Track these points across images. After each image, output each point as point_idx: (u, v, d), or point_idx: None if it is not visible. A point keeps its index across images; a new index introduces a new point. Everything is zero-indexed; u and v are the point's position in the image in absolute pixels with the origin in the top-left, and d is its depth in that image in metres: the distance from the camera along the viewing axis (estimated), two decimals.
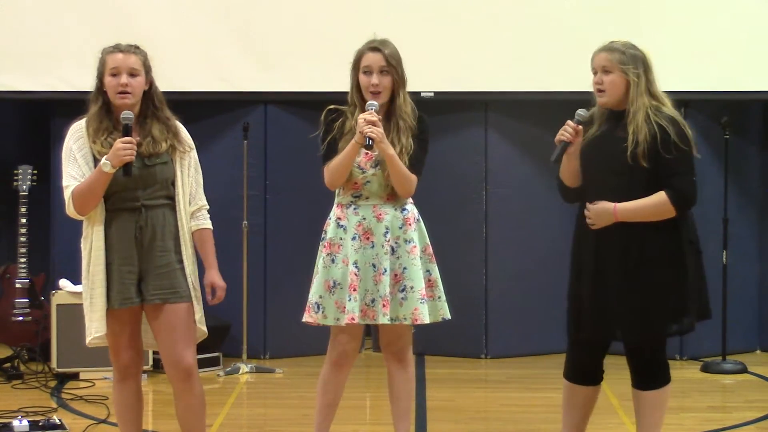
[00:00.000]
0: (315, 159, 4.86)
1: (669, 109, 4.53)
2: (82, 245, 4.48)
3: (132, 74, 4.43)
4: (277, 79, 7.32)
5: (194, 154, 4.58)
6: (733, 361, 7.23)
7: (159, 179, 4.45)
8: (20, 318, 6.88)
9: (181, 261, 4.48)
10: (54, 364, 6.77)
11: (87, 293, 4.45)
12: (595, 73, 4.58)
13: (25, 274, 6.89)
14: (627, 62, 4.51)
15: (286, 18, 7.30)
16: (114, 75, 4.42)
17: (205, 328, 4.56)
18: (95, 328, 4.42)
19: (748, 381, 7.00)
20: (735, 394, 6.72)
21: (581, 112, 4.56)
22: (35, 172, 7.01)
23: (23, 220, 6.89)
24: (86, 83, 7.41)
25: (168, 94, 4.63)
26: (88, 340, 4.48)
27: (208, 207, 4.60)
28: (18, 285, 6.89)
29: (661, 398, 4.60)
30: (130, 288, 4.42)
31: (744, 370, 7.15)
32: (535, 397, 6.48)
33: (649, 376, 4.58)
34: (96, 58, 4.53)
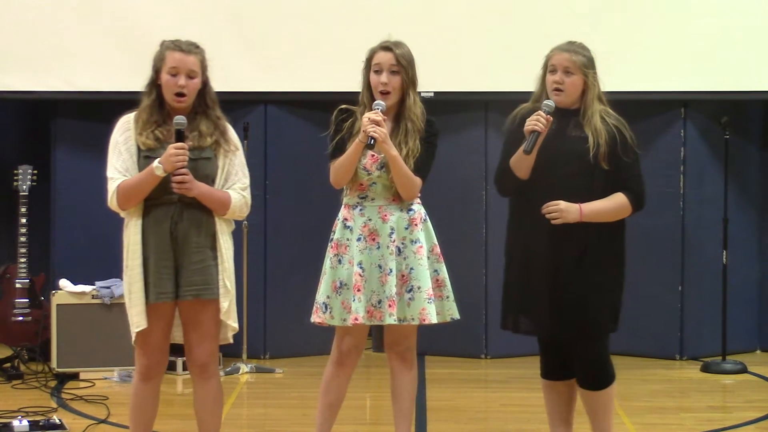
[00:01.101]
0: (315, 159, 4.86)
1: (613, 113, 4.58)
2: (123, 239, 4.44)
3: (190, 76, 4.41)
4: (277, 79, 7.31)
5: (241, 155, 4.55)
6: (733, 361, 7.22)
7: (200, 175, 4.39)
8: (20, 318, 6.87)
9: (215, 258, 4.44)
10: (54, 364, 6.77)
11: (126, 288, 4.41)
12: (553, 71, 4.58)
13: (25, 274, 6.88)
14: (588, 66, 4.54)
15: (286, 18, 7.30)
16: (173, 75, 4.40)
17: (236, 325, 4.50)
18: (136, 323, 4.37)
19: (748, 381, 7.00)
20: (735, 394, 6.71)
21: (550, 102, 4.56)
22: (35, 172, 6.99)
23: (23, 220, 6.88)
24: (86, 83, 7.40)
25: None
26: (132, 337, 4.41)
27: (248, 198, 4.54)
28: (18, 285, 6.89)
29: (610, 396, 4.65)
30: (167, 282, 4.37)
31: (744, 370, 7.15)
32: (535, 397, 6.44)
33: (597, 375, 4.61)
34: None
